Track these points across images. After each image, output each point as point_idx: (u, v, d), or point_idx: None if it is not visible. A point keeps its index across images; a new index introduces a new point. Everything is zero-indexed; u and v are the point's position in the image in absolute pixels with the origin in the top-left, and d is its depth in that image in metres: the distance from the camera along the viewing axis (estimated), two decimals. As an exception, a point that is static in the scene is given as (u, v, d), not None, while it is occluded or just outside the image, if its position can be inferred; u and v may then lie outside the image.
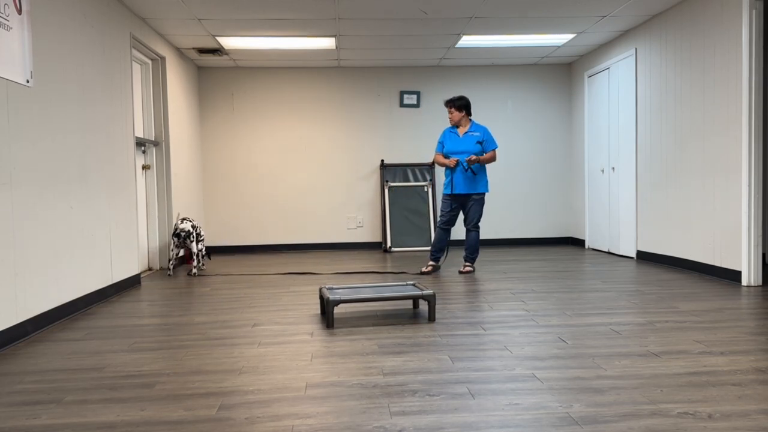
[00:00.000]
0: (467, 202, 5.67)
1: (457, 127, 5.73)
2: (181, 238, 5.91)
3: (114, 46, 5.01)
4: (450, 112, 5.70)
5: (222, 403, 2.39)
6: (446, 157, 5.70)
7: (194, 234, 5.99)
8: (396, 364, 2.87)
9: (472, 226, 5.69)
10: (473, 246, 5.74)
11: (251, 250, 8.05)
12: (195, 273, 5.89)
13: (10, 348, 3.31)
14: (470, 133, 5.68)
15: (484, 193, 5.68)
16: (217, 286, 5.24)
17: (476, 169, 5.61)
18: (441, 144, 5.78)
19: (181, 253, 6.47)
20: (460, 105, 5.65)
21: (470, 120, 5.74)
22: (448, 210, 5.70)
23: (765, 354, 2.92)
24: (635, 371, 2.69)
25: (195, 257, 6.02)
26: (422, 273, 5.73)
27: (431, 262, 5.80)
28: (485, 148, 5.64)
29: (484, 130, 5.70)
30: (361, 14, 5.75)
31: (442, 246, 5.76)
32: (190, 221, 6.04)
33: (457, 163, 5.59)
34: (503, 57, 7.69)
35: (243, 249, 8.03)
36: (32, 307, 3.61)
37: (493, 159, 5.66)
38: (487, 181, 5.70)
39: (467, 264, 5.78)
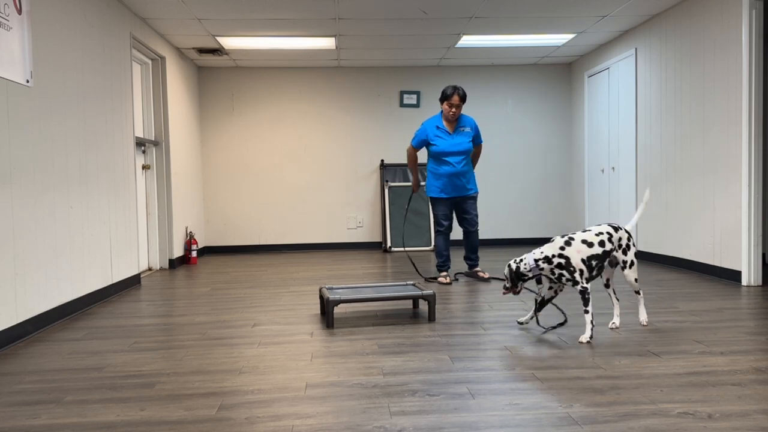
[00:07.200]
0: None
1: (445, 121, 5.04)
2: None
3: (114, 46, 5.01)
4: (458, 106, 4.95)
5: (222, 403, 2.39)
6: (440, 157, 5.01)
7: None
8: (396, 364, 2.87)
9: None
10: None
11: (251, 250, 8.05)
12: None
13: (10, 348, 3.32)
14: (461, 129, 5.00)
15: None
16: (219, 286, 5.24)
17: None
18: (424, 141, 5.06)
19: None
20: (465, 97, 5.03)
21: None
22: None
23: (765, 354, 2.92)
24: (635, 371, 2.68)
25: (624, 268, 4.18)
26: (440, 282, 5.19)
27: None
28: (475, 143, 5.10)
29: (472, 122, 5.10)
30: (361, 14, 5.75)
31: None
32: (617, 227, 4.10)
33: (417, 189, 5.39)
34: (503, 57, 7.69)
35: (243, 249, 8.03)
36: (32, 307, 3.61)
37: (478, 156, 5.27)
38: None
39: None
